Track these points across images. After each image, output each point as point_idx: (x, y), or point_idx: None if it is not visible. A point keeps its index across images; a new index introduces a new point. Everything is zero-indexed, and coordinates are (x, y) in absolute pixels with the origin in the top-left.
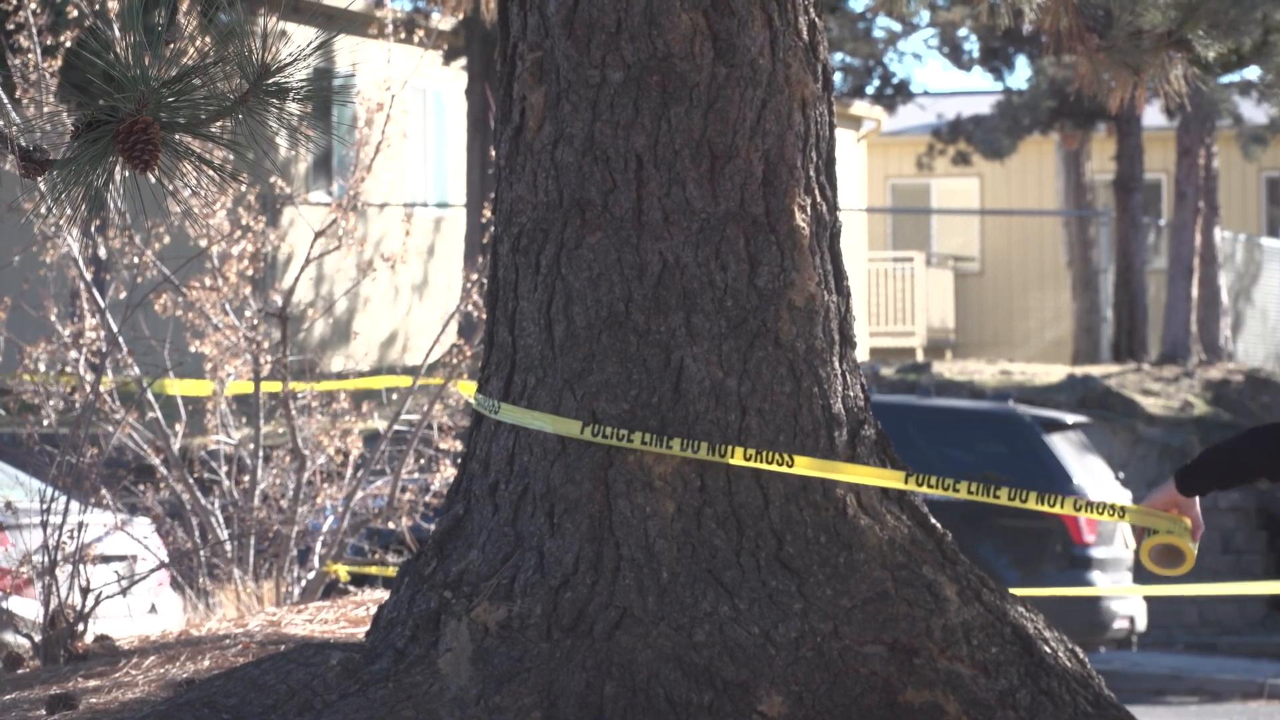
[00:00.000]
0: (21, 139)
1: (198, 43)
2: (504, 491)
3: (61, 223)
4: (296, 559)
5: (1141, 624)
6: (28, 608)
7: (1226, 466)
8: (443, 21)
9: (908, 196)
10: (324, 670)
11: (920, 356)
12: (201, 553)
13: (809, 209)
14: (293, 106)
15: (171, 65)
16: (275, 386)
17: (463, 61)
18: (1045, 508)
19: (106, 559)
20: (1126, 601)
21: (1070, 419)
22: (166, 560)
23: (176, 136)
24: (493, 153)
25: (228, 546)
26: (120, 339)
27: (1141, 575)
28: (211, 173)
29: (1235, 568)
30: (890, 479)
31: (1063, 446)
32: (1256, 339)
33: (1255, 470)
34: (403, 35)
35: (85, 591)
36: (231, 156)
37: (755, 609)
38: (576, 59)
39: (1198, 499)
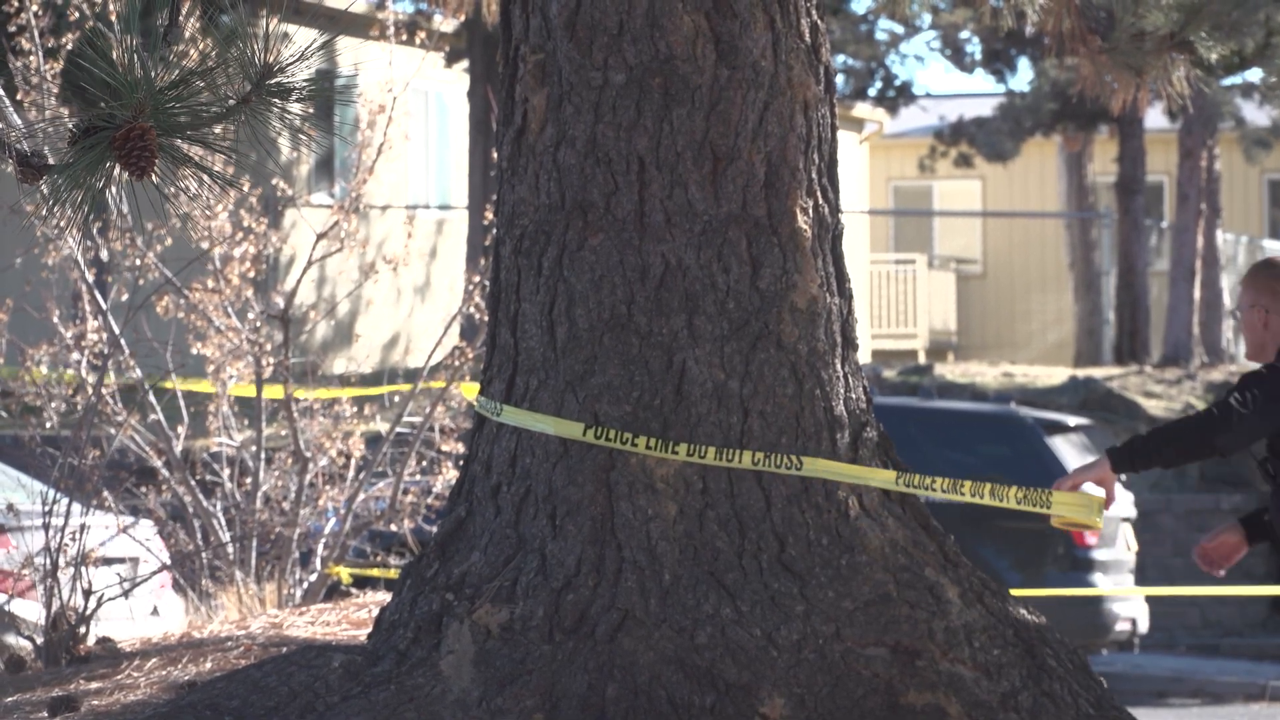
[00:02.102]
0: (22, 143)
1: (199, 45)
2: (506, 494)
3: (62, 225)
4: (298, 561)
5: (1143, 626)
6: (30, 610)
7: (1163, 450)
8: (445, 23)
9: (910, 198)
10: (326, 672)
11: (922, 359)
12: (203, 555)
13: (811, 211)
14: (295, 107)
15: (172, 68)
16: (278, 392)
17: (465, 63)
18: (995, 502)
19: (109, 561)
20: (1128, 603)
21: (1072, 421)
22: (168, 562)
23: (175, 142)
24: (495, 155)
25: (229, 549)
26: (122, 341)
27: (1144, 576)
28: (209, 178)
29: (1237, 570)
30: (880, 477)
31: (1065, 448)
32: None
33: (1193, 456)
34: (405, 37)
35: (87, 594)
36: (232, 159)
37: (757, 611)
38: (578, 61)
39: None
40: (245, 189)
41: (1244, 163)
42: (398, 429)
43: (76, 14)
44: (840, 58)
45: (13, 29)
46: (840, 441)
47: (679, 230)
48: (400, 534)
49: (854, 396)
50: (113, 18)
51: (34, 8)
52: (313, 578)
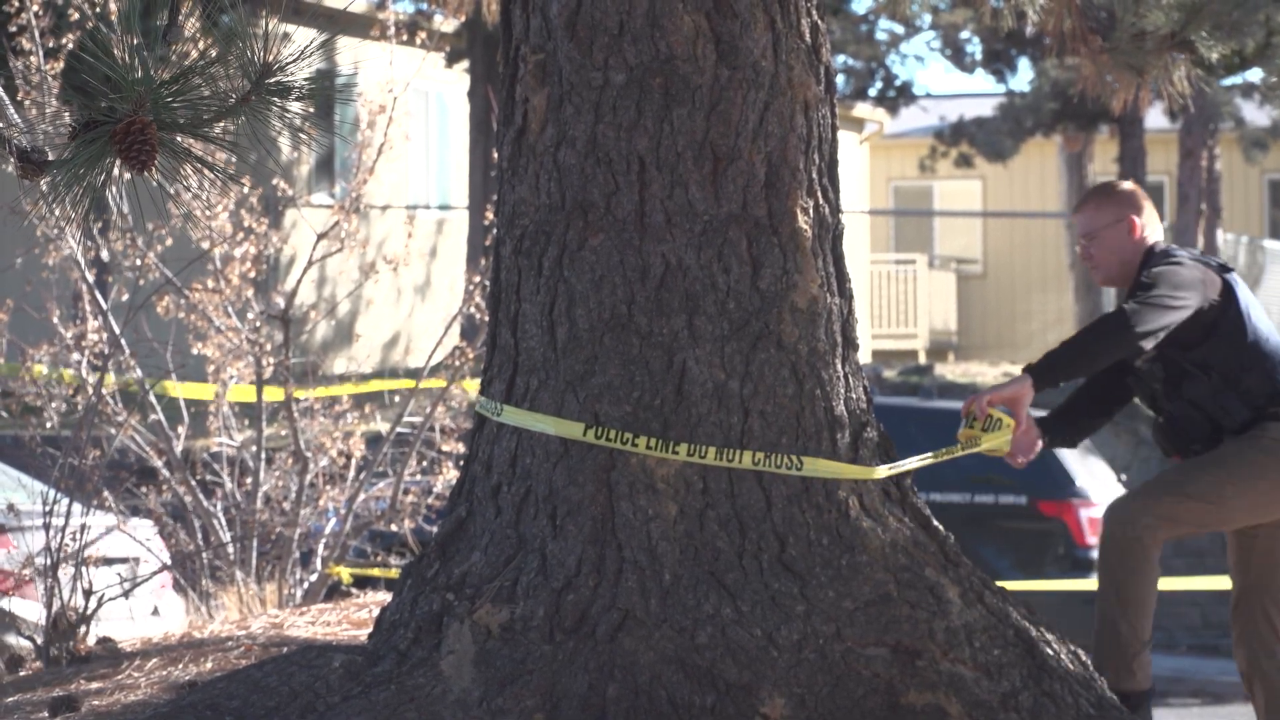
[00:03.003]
0: (22, 139)
1: (199, 44)
2: (506, 494)
3: (62, 223)
4: (299, 561)
5: None
6: (30, 609)
7: (1082, 355)
8: (445, 24)
9: (910, 198)
10: (326, 672)
11: (923, 359)
12: (204, 555)
13: (811, 211)
14: (295, 106)
15: (172, 66)
16: (278, 394)
17: (465, 64)
18: (947, 455)
19: (109, 561)
20: None
21: None
22: (169, 562)
23: (176, 137)
24: (495, 155)
25: (230, 549)
26: (122, 341)
27: None
28: (211, 174)
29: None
30: (876, 474)
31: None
32: None
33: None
34: (405, 37)
35: (88, 593)
36: (233, 158)
37: (758, 611)
38: (579, 61)
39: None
40: (246, 187)
41: (1244, 163)
42: (398, 429)
43: (77, 14)
44: (840, 58)
45: (13, 29)
46: (840, 441)
47: (679, 230)
48: (400, 534)
49: (854, 396)
50: (113, 18)
51: (34, 8)
52: (313, 578)
